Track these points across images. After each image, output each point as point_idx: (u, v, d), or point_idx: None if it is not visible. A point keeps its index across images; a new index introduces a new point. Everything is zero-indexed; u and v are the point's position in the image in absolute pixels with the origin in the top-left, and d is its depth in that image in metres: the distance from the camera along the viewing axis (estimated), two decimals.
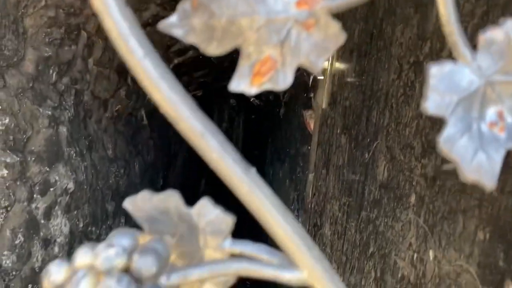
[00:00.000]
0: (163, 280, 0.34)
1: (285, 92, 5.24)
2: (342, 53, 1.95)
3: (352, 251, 1.65)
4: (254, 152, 15.17)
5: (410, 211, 1.17)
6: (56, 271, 0.33)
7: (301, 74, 4.06)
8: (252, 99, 8.60)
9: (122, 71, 4.00)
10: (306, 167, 3.86)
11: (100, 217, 3.66)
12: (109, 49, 3.59)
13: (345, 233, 1.75)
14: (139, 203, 0.40)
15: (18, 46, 2.39)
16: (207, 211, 0.39)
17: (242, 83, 0.35)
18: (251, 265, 0.36)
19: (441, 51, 1.04)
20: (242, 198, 0.36)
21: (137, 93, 4.63)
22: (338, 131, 1.91)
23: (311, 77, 3.42)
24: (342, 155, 1.83)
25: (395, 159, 1.29)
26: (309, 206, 2.37)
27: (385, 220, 1.33)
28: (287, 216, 0.36)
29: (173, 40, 4.62)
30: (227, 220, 0.39)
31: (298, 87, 4.52)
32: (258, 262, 0.36)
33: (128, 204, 0.39)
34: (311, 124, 3.15)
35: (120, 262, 0.32)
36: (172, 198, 0.39)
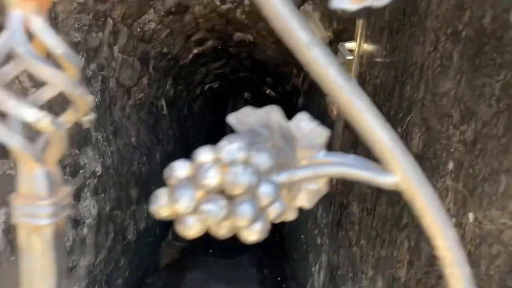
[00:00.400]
0: (274, 177, 0.38)
1: (304, 81, 5.26)
2: (371, 33, 1.97)
3: (382, 225, 1.68)
4: None
5: (448, 178, 1.20)
6: (180, 167, 0.38)
7: None
8: (268, 91, 8.61)
9: (145, 59, 4.07)
10: None
11: (124, 201, 3.74)
12: (133, 37, 3.65)
13: (375, 209, 1.78)
14: (242, 117, 0.44)
15: None
16: (304, 125, 0.43)
17: (344, 0, 0.39)
18: (349, 169, 0.40)
19: (482, 18, 1.06)
20: (342, 106, 0.39)
21: (158, 82, 4.70)
22: None
23: None
24: None
25: (431, 129, 1.31)
26: (335, 188, 2.40)
27: None
28: (383, 124, 0.39)
29: (194, 30, 4.67)
30: (322, 133, 0.43)
31: None
32: (356, 167, 0.40)
33: (232, 118, 0.43)
34: (334, 110, 3.17)
35: (242, 155, 0.36)
36: (273, 113, 0.43)
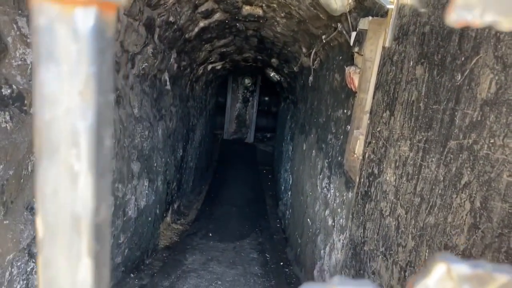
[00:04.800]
0: None
1: (314, 59, 5.04)
2: None
3: (431, 189, 1.48)
4: (266, 135, 15.01)
5: None
6: None
7: (338, 34, 3.86)
8: (272, 74, 8.39)
9: (151, 26, 3.84)
10: (340, 131, 3.69)
11: (126, 175, 3.53)
12: (140, 0, 3.41)
13: (420, 172, 1.58)
14: None
15: None
16: None
17: None
18: None
19: None
20: None
21: (163, 53, 4.46)
22: (411, 64, 1.73)
23: (354, 33, 3.22)
24: (418, 88, 1.65)
25: (511, 66, 1.11)
26: (364, 155, 2.20)
27: (491, 141, 1.16)
28: None
29: (202, 0, 4.42)
30: None
31: (331, 50, 4.32)
32: None
33: None
34: (355, 80, 2.97)
35: None
36: None
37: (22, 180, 1.99)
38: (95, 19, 0.24)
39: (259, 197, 9.02)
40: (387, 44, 1.96)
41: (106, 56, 0.26)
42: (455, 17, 0.26)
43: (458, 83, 1.34)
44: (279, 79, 8.38)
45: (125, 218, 3.63)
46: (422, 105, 1.58)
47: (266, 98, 15.01)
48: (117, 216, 3.39)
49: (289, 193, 6.98)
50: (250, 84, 14.83)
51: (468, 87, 1.29)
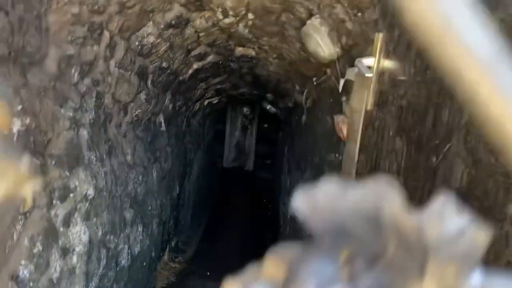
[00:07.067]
0: None
1: (307, 98, 5.07)
2: (394, 49, 1.78)
3: None
4: (266, 161, 14.98)
5: (507, 224, 0.99)
6: None
7: (328, 78, 3.90)
8: (268, 107, 8.44)
9: (143, 74, 3.88)
10: (333, 175, 3.67)
11: (118, 225, 3.50)
12: (131, 51, 3.47)
13: None
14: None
15: (41, 43, 2.26)
16: (448, 220, 0.23)
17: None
18: None
19: None
20: None
21: (157, 97, 4.50)
22: (391, 134, 1.73)
23: (342, 80, 3.25)
24: (397, 159, 1.65)
25: (480, 162, 1.11)
26: None
27: None
28: None
29: (194, 44, 4.49)
30: (478, 239, 0.22)
31: (322, 92, 4.36)
32: None
33: (300, 200, 0.23)
34: (344, 129, 2.98)
35: None
36: (384, 195, 0.22)
37: (7, 251, 1.98)
38: None
39: (259, 230, 8.94)
40: (369, 107, 1.97)
41: None
42: None
43: (434, 166, 1.34)
44: (275, 111, 8.43)
45: (118, 268, 3.59)
46: (402, 178, 1.58)
47: (266, 125, 15.05)
48: (109, 267, 3.35)
49: (287, 228, 6.92)
50: (249, 113, 14.90)
51: (442, 172, 1.29)
